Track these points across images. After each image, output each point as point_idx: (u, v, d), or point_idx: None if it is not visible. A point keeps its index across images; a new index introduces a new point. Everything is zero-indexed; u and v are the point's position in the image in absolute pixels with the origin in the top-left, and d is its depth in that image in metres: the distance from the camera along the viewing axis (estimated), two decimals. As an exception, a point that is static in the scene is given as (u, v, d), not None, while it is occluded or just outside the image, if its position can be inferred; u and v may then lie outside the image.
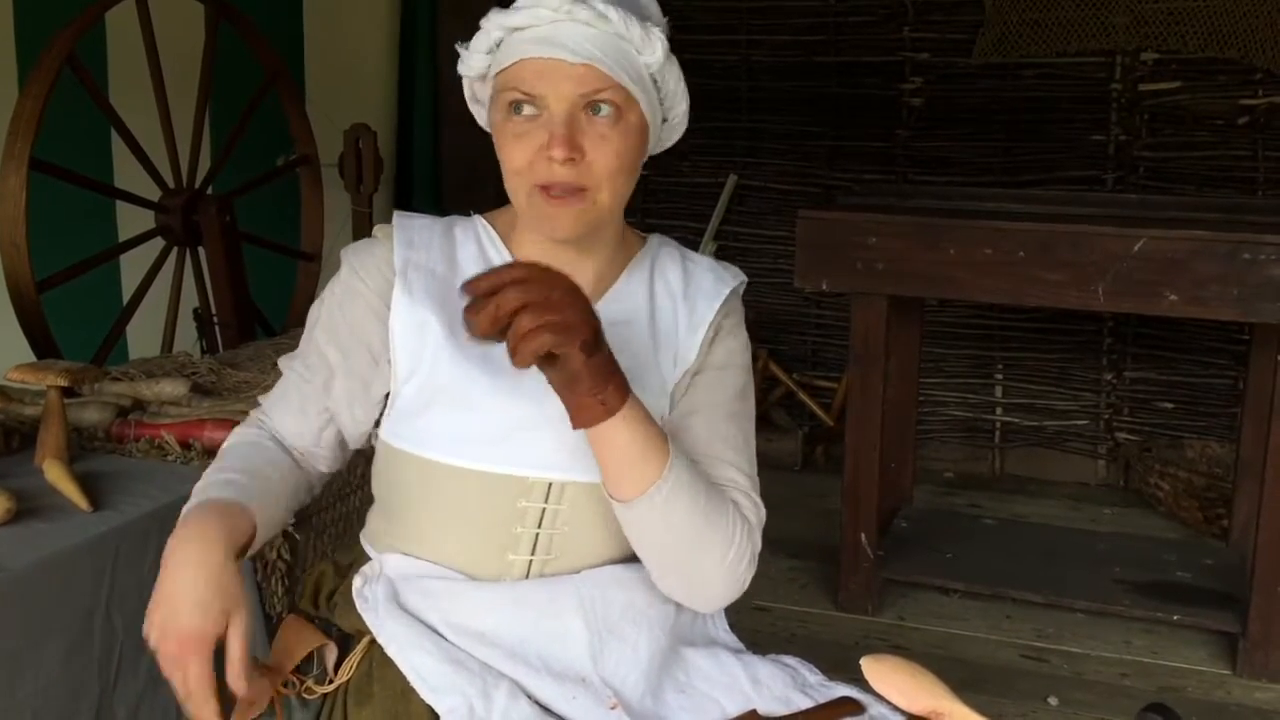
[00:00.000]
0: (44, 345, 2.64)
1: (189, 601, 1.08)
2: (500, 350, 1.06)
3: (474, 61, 1.26)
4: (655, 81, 1.24)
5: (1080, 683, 2.72)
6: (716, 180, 4.32)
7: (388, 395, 1.28)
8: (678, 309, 1.31)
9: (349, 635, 1.29)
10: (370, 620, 1.24)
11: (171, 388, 2.20)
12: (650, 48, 1.20)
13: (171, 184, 3.06)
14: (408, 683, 1.20)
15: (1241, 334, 3.70)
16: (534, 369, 1.08)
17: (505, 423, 1.21)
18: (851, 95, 4.15)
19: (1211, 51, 3.73)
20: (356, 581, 1.28)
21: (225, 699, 1.10)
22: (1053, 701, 2.64)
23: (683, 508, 1.18)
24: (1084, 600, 2.96)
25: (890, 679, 1.23)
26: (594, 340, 1.07)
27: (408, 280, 1.26)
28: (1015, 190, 3.63)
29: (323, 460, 1.35)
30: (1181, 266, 2.60)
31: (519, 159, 1.19)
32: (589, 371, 1.08)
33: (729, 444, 1.29)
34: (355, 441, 1.34)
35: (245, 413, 1.45)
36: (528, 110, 1.19)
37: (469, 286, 1.04)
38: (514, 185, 1.22)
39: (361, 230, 3.55)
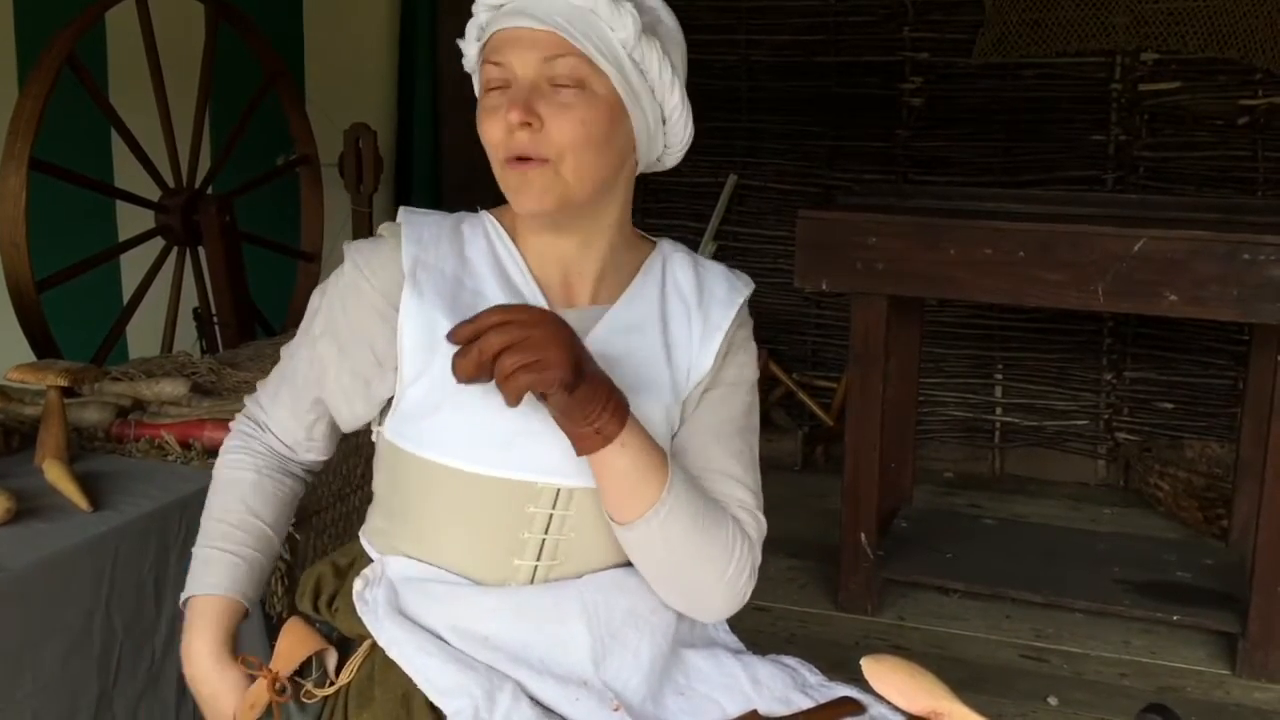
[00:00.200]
0: (44, 345, 2.64)
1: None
2: None
3: (469, 50, 1.27)
4: (636, 63, 1.22)
5: (1080, 683, 2.72)
6: (716, 180, 4.31)
7: (391, 396, 1.27)
8: (691, 316, 1.30)
9: (349, 639, 1.29)
10: (371, 624, 1.23)
11: (171, 388, 2.20)
12: (621, 22, 1.19)
13: (171, 184, 3.06)
14: (409, 686, 1.19)
15: (1241, 334, 3.70)
16: None
17: (514, 428, 1.20)
18: (851, 95, 4.15)
19: (1211, 51, 3.73)
20: (357, 585, 1.27)
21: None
22: (1052, 701, 2.64)
23: (682, 528, 1.19)
24: (1084, 600, 2.96)
25: (890, 679, 1.24)
26: (574, 377, 1.08)
27: (417, 281, 1.24)
28: (1015, 190, 3.63)
29: (314, 450, 1.39)
30: (1181, 267, 2.60)
31: (492, 133, 1.20)
32: (576, 404, 1.10)
33: (738, 460, 1.29)
34: (349, 429, 1.36)
35: (245, 413, 1.46)
36: (499, 82, 1.20)
37: (453, 335, 1.07)
38: (493, 164, 1.23)
39: (361, 230, 3.54)
